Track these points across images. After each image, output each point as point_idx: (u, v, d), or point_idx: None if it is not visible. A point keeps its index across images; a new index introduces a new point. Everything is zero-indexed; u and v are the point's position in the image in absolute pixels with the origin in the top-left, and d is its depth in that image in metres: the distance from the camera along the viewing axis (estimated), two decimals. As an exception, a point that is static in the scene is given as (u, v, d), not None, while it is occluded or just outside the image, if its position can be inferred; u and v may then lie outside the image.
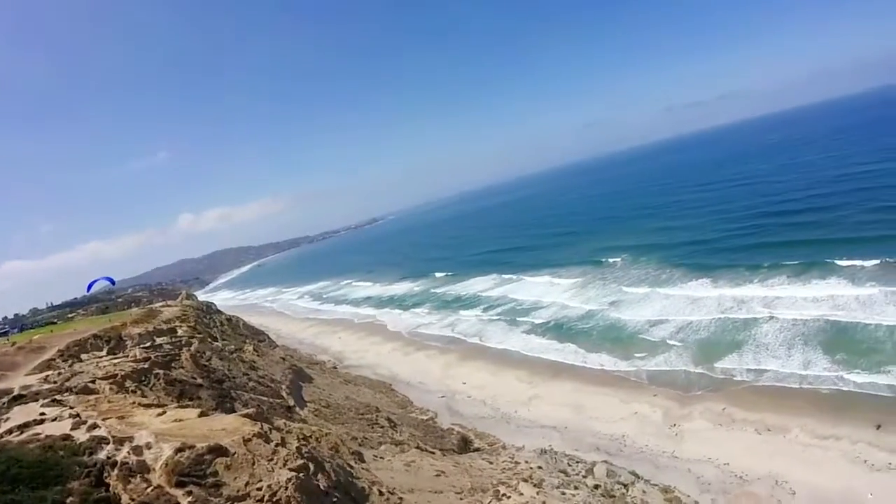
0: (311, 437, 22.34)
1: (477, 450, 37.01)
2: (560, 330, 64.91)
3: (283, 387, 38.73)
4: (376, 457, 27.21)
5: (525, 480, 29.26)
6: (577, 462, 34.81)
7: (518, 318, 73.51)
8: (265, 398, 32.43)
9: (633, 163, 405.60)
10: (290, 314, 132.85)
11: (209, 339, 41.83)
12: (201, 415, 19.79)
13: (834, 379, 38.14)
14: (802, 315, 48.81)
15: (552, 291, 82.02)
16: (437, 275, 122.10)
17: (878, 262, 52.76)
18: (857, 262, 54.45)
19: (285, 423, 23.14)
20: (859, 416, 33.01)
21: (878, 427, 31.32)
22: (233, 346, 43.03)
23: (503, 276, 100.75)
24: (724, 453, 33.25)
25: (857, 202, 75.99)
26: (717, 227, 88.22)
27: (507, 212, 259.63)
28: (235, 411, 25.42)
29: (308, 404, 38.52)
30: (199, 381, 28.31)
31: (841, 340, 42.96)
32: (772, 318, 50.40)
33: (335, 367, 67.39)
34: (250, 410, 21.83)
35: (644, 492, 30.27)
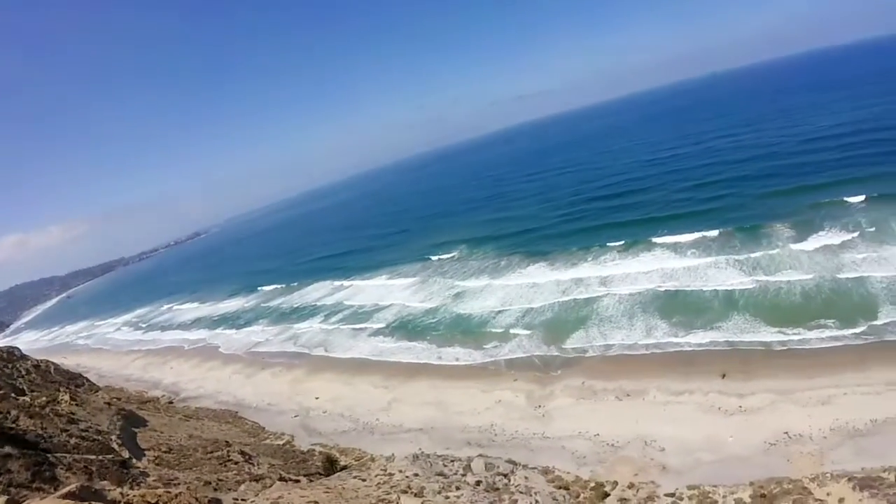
0: (157, 502, 19.05)
1: (345, 468, 35.08)
2: (406, 329, 65.34)
3: (113, 437, 33.50)
4: (237, 500, 24.19)
5: (405, 492, 28.10)
6: (453, 461, 34.57)
7: (361, 324, 72.64)
8: (93, 456, 27.43)
9: (459, 156, 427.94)
10: (109, 349, 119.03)
11: (13, 395, 35.31)
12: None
13: (676, 341, 43.44)
14: (637, 288, 55.09)
15: (392, 292, 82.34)
16: (269, 287, 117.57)
17: (697, 235, 61.80)
18: (678, 236, 63.15)
19: (122, 493, 19.41)
20: (705, 369, 37.93)
21: (724, 376, 36.16)
22: (44, 399, 36.63)
23: (339, 281, 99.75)
24: (592, 425, 35.76)
25: (670, 182, 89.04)
26: (547, 215, 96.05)
27: (334, 215, 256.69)
28: (57, 479, 20.98)
29: (146, 452, 33.82)
30: (7, 449, 23.03)
31: (675, 306, 49.25)
32: (609, 293, 55.76)
33: (171, 403, 62.03)
34: (73, 487, 17.95)
35: (526, 478, 31.05)
